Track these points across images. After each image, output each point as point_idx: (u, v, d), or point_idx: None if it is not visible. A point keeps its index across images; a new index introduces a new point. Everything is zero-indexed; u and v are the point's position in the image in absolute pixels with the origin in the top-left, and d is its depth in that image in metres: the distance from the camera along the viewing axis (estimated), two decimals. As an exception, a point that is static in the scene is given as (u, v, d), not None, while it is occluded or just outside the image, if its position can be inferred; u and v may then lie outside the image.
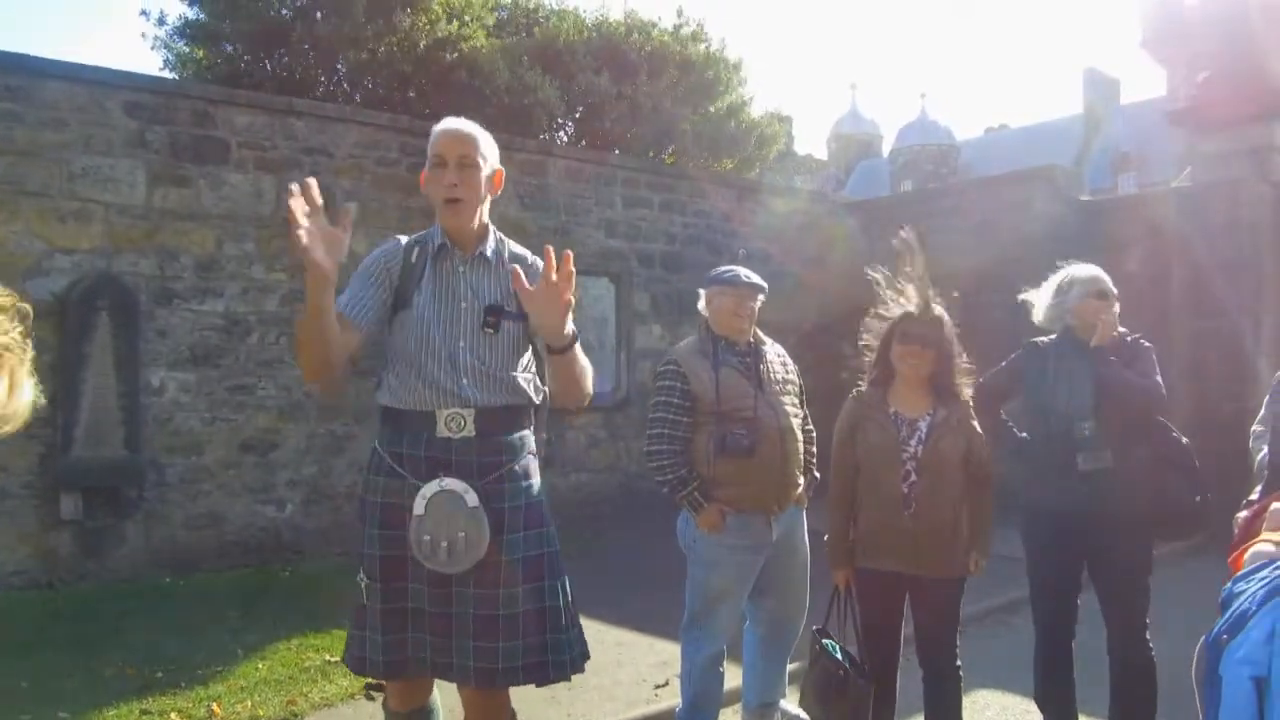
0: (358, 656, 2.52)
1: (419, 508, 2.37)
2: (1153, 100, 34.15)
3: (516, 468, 2.50)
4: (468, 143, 2.49)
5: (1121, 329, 3.43)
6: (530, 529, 2.49)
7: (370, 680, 2.72)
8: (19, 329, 1.39)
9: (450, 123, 2.53)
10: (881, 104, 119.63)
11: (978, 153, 42.02)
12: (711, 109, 12.52)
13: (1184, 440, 3.36)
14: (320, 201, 2.16)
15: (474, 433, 2.44)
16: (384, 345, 2.56)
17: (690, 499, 3.42)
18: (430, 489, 2.38)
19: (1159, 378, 3.37)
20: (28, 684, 4.33)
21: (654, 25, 12.39)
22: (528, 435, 2.57)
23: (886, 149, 47.25)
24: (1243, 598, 1.40)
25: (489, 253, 2.55)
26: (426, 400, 2.44)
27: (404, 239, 2.57)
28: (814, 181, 40.69)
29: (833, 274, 10.39)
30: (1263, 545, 1.58)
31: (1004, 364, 3.65)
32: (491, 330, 2.47)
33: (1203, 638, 1.48)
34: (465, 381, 2.44)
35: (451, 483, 2.39)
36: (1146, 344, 3.44)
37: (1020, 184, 10.13)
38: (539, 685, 2.52)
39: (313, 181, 2.16)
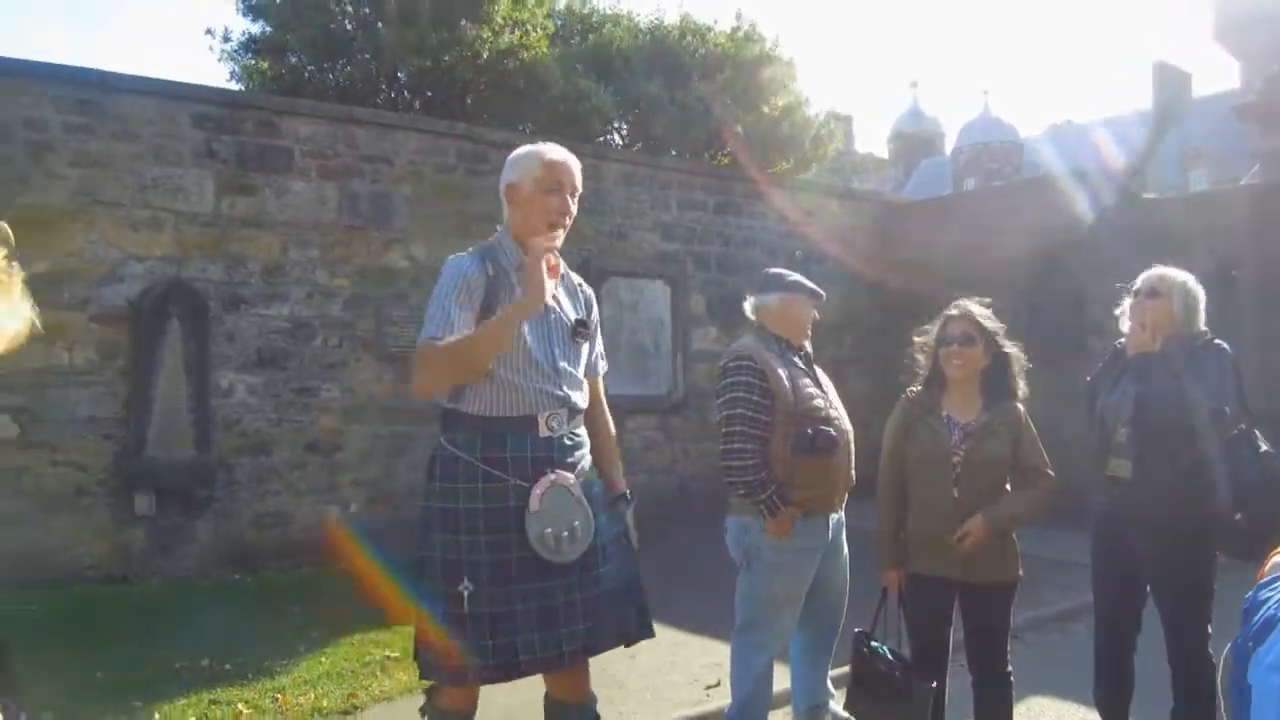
0: (458, 668, 2.45)
1: (535, 504, 2.43)
2: (1225, 94, 33.11)
3: (587, 460, 2.66)
4: (580, 176, 2.64)
5: (1204, 329, 3.31)
6: (604, 509, 2.67)
7: (431, 684, 2.70)
8: (2, 253, 1.37)
9: (566, 152, 2.64)
10: (943, 101, 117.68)
11: (1042, 149, 41.20)
12: (765, 109, 12.42)
13: (1265, 453, 3.06)
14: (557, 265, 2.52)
15: (569, 429, 2.59)
16: None
17: (769, 502, 3.27)
18: (543, 484, 2.46)
19: (1229, 383, 3.16)
20: (104, 674, 4.50)
21: (709, 29, 12.37)
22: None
23: (949, 147, 46.53)
24: (1270, 604, 1.38)
25: (563, 271, 2.67)
26: (530, 404, 2.51)
27: (471, 253, 2.61)
28: (874, 181, 40.27)
29: (891, 275, 10.31)
30: None
31: (1100, 364, 3.56)
32: (581, 340, 2.66)
33: (1228, 645, 1.46)
34: (563, 383, 2.57)
35: (561, 476, 2.50)
36: (1222, 346, 3.24)
37: (1082, 182, 9.95)
38: (628, 645, 2.73)
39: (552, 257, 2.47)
